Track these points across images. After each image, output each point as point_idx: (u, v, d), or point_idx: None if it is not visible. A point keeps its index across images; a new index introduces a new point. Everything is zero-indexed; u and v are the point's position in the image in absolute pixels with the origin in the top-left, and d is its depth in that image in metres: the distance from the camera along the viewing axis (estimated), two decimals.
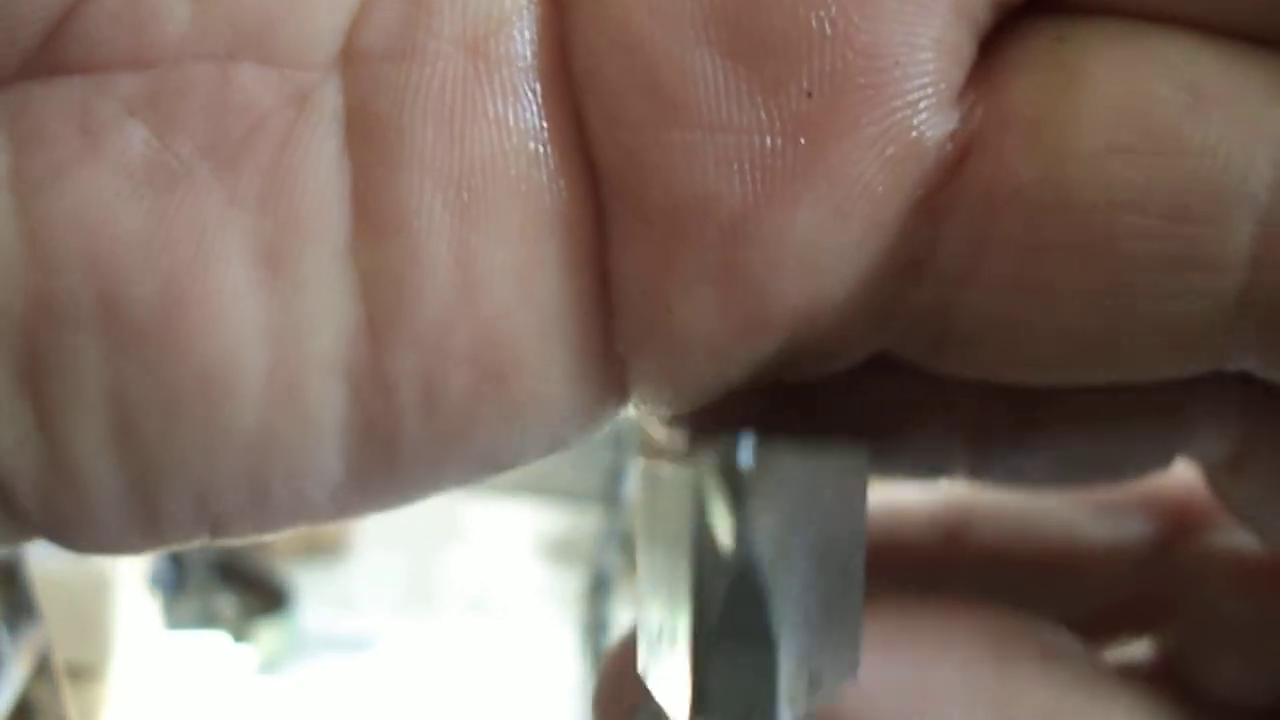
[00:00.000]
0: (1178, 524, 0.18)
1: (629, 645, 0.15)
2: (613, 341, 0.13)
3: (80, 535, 0.13)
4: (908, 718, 0.14)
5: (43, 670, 1.07)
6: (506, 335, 0.12)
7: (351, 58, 0.12)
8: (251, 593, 1.69)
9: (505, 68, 0.12)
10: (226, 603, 1.67)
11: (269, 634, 1.66)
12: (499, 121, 0.12)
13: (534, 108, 0.12)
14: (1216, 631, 0.17)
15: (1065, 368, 0.13)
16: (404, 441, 0.13)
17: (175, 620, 1.54)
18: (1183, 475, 0.17)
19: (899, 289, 0.13)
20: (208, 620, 1.63)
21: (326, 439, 0.12)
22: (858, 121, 0.12)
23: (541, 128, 0.12)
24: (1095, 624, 0.18)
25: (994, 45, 0.12)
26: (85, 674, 1.20)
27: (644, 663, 0.13)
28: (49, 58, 0.12)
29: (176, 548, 0.13)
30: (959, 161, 0.12)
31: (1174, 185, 0.11)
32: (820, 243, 0.12)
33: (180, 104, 0.12)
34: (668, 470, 0.12)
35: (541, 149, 0.12)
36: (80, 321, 0.12)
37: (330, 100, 0.12)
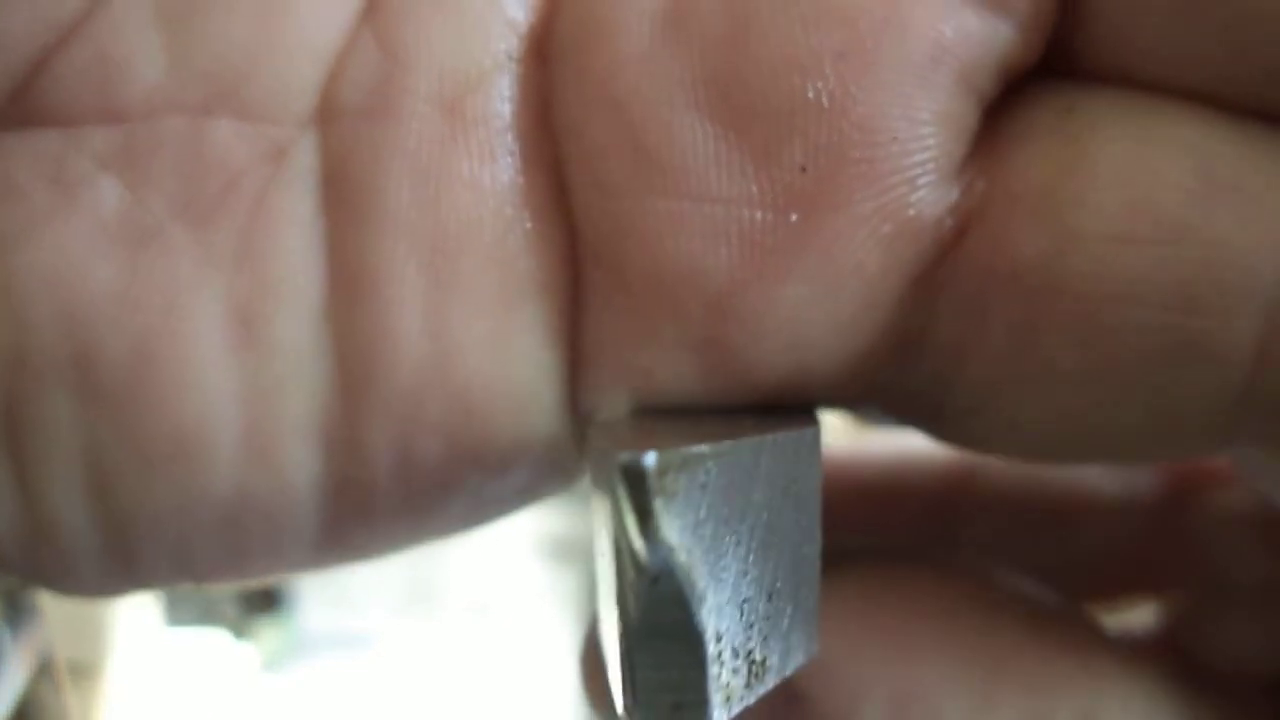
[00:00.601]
0: (1190, 481, 0.18)
1: None
2: (585, 402, 0.13)
3: (61, 582, 0.13)
4: (890, 675, 0.14)
5: (44, 670, 1.07)
6: (479, 405, 0.12)
7: (328, 114, 0.12)
8: (252, 591, 1.69)
9: (482, 128, 0.12)
10: (227, 601, 1.67)
11: (269, 633, 1.66)
12: (474, 184, 0.12)
13: (511, 170, 0.12)
14: (1225, 592, 0.16)
15: (1063, 447, 0.13)
16: (380, 503, 0.12)
17: (175, 618, 1.54)
18: None
19: (893, 361, 0.12)
20: (208, 618, 1.62)
21: (302, 500, 0.12)
22: (852, 198, 0.11)
23: (519, 191, 0.12)
24: (1102, 580, 0.18)
25: (999, 112, 0.12)
26: (85, 672, 1.19)
27: (601, 639, 0.13)
28: (20, 109, 0.12)
29: (160, 591, 0.13)
30: (958, 236, 0.12)
31: (1180, 276, 0.11)
32: (809, 319, 0.12)
33: (154, 159, 0.12)
34: (595, 460, 0.12)
35: (518, 213, 0.12)
36: (55, 379, 0.12)
37: (306, 157, 0.12)
